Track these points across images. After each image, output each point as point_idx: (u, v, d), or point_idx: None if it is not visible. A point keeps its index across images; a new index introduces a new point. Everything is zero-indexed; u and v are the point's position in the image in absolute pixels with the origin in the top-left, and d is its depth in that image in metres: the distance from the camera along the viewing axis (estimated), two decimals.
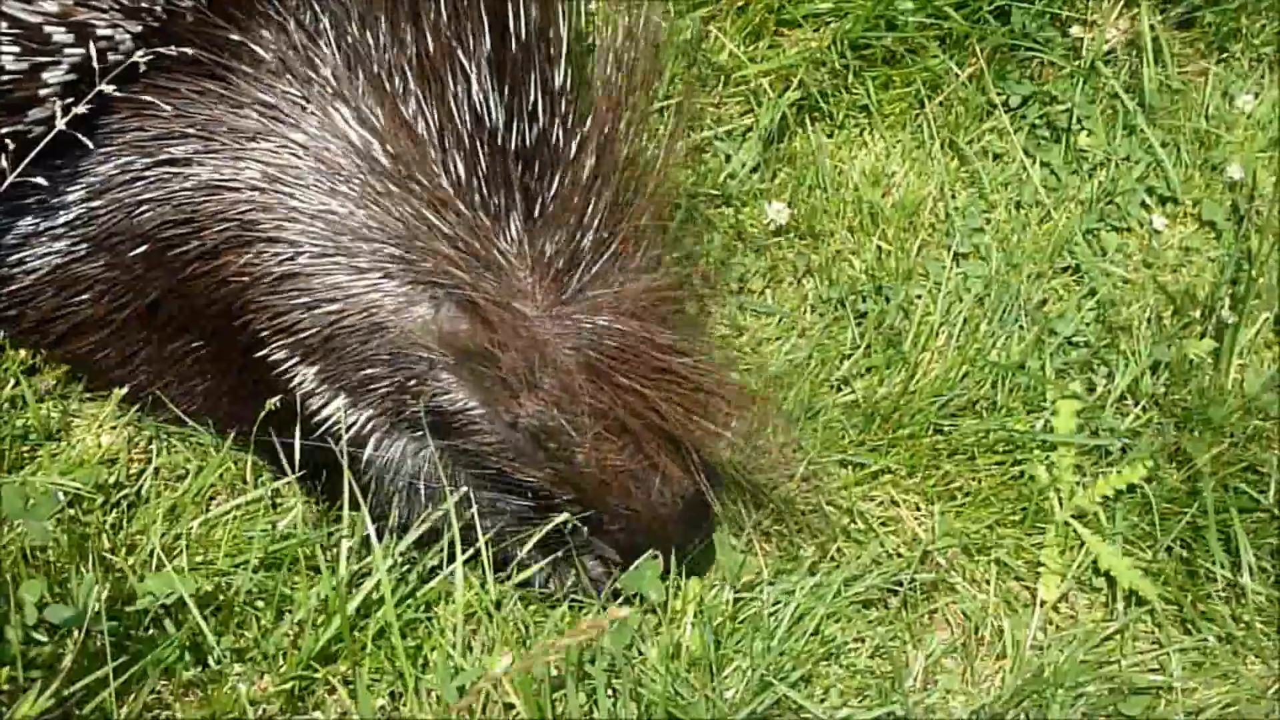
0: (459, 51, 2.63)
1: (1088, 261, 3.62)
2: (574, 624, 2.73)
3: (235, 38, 2.71)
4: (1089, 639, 3.04)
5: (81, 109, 2.62)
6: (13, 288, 2.91)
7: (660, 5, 3.50)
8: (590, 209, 2.66)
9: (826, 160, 3.70)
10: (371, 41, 2.68)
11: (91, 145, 2.70)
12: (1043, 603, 3.10)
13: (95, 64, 2.62)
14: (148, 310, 2.86)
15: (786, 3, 3.79)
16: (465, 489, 2.77)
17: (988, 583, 3.12)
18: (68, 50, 2.64)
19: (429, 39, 2.63)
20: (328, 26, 2.70)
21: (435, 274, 2.65)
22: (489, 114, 2.63)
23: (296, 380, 2.77)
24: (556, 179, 2.65)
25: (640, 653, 2.82)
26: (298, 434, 2.75)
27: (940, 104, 3.83)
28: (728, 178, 3.61)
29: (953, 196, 3.72)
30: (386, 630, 2.73)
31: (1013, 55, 3.88)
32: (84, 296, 2.89)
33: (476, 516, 2.78)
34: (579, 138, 2.68)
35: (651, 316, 2.68)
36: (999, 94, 3.84)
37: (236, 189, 2.72)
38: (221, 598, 2.77)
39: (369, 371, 2.74)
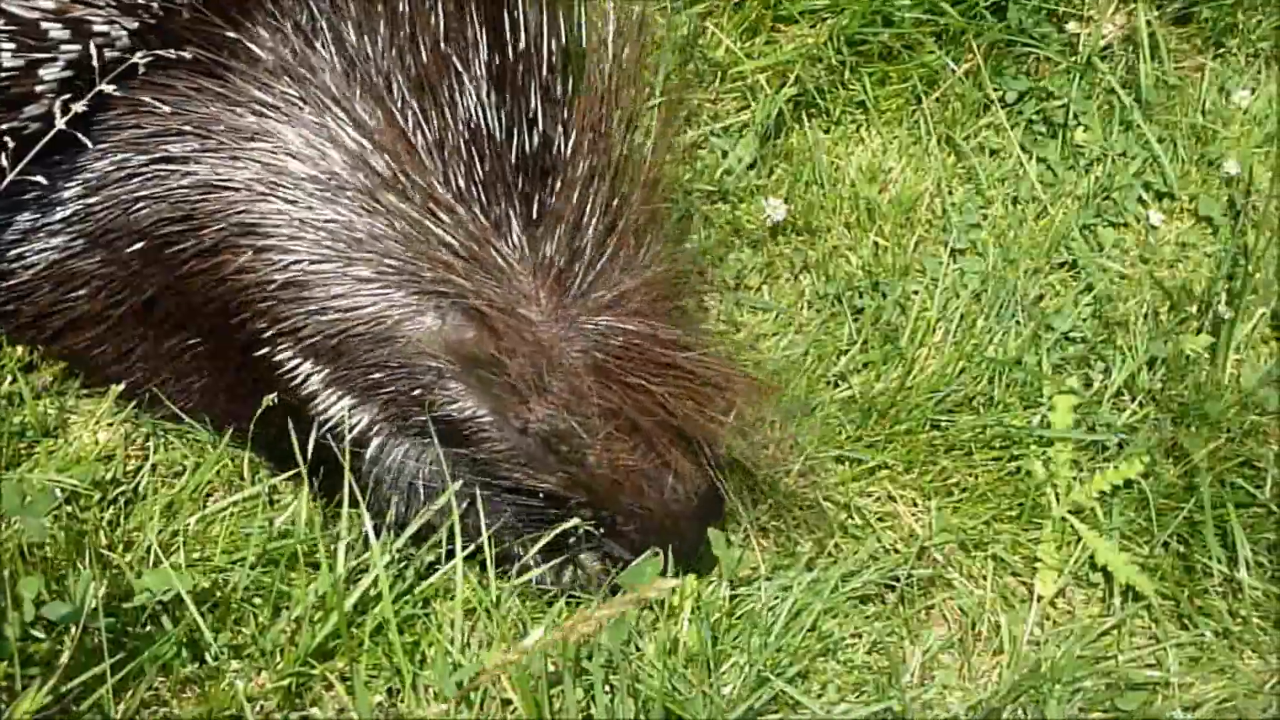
0: (456, 59, 2.63)
1: (1085, 257, 3.62)
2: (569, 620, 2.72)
3: (232, 35, 2.71)
4: (1086, 634, 3.04)
5: (80, 107, 2.62)
6: (10, 283, 2.91)
7: (657, 1, 3.51)
8: (588, 208, 2.66)
9: (823, 156, 3.70)
10: (369, 48, 2.68)
11: (89, 142, 2.70)
12: (1040, 598, 3.10)
13: (93, 61, 2.62)
14: (144, 307, 2.86)
15: None
16: (465, 487, 2.77)
17: (985, 578, 3.12)
18: (64, 47, 2.64)
19: (427, 46, 2.63)
20: (325, 30, 2.70)
21: (438, 283, 2.66)
22: (487, 121, 2.64)
23: (301, 381, 2.77)
24: (556, 182, 2.66)
25: (638, 648, 2.82)
26: (295, 432, 2.75)
27: (937, 100, 3.83)
28: (724, 174, 3.61)
29: (949, 192, 3.72)
30: (384, 626, 2.74)
31: (1009, 51, 3.88)
32: (81, 292, 2.89)
33: (476, 514, 2.77)
34: (576, 140, 2.68)
35: (655, 313, 2.68)
36: (996, 90, 3.84)
37: (234, 189, 2.72)
38: (219, 594, 2.77)
39: (376, 377, 2.74)
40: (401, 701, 2.71)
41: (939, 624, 3.08)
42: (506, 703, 2.66)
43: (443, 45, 2.63)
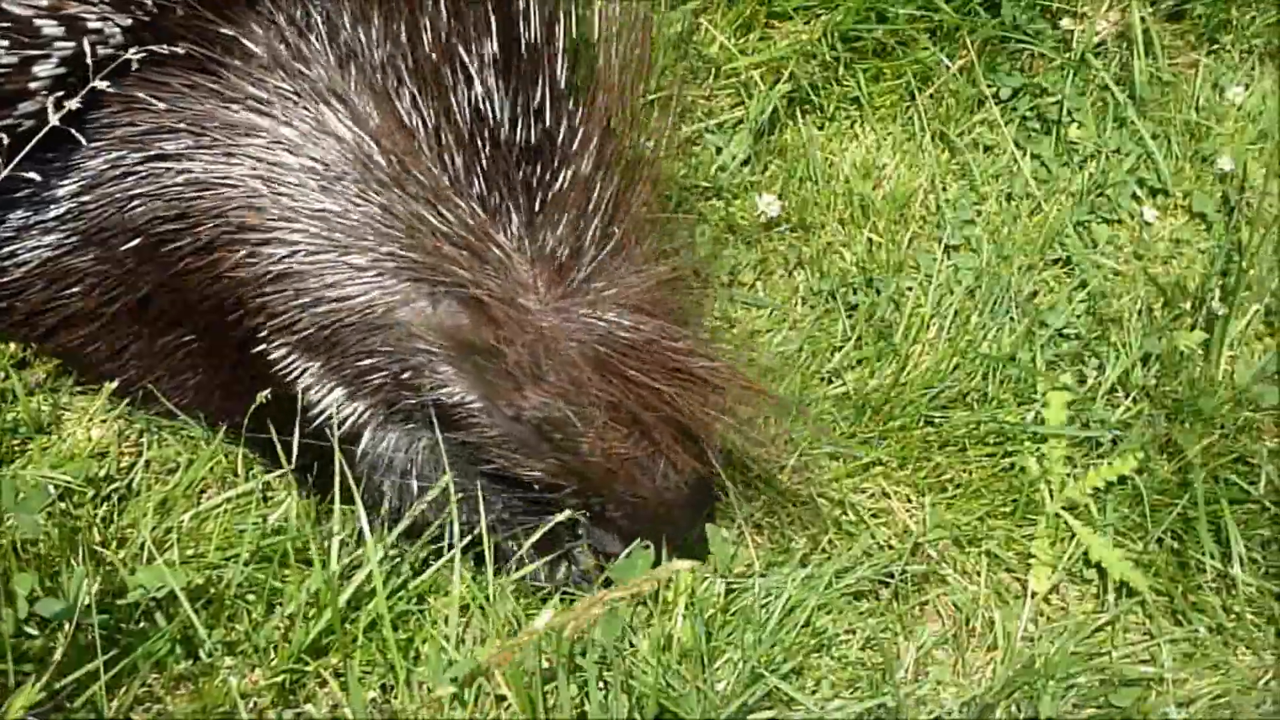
0: (460, 48, 2.62)
1: (1078, 253, 3.63)
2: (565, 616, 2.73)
3: (226, 32, 2.70)
4: (1080, 630, 3.04)
5: (74, 104, 2.62)
6: (3, 280, 2.91)
7: None
8: (592, 202, 2.66)
9: (817, 153, 3.70)
10: (364, 38, 2.67)
11: (83, 140, 2.70)
12: (1033, 594, 3.10)
13: (86, 58, 2.62)
14: (138, 304, 2.86)
15: None
16: (459, 482, 2.77)
17: (979, 574, 3.13)
18: (58, 43, 2.64)
19: (427, 36, 2.62)
20: (319, 22, 2.70)
21: (435, 270, 2.65)
22: (490, 111, 2.63)
23: (296, 375, 2.77)
24: (558, 174, 2.66)
25: (632, 645, 2.83)
26: (292, 427, 2.75)
27: (931, 96, 3.83)
28: (718, 170, 3.61)
29: (944, 189, 3.72)
30: (378, 623, 2.74)
31: (1003, 47, 3.88)
32: (74, 290, 2.89)
33: (470, 509, 2.78)
34: (581, 133, 2.68)
35: (655, 308, 2.68)
36: (989, 86, 3.84)
37: (229, 185, 2.71)
38: (212, 591, 2.77)
39: (367, 364, 2.74)
40: (395, 698, 2.71)
41: (933, 620, 3.08)
42: (501, 699, 2.66)
43: (445, 34, 2.62)
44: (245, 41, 2.70)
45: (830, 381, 3.34)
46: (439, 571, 2.83)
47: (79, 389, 3.08)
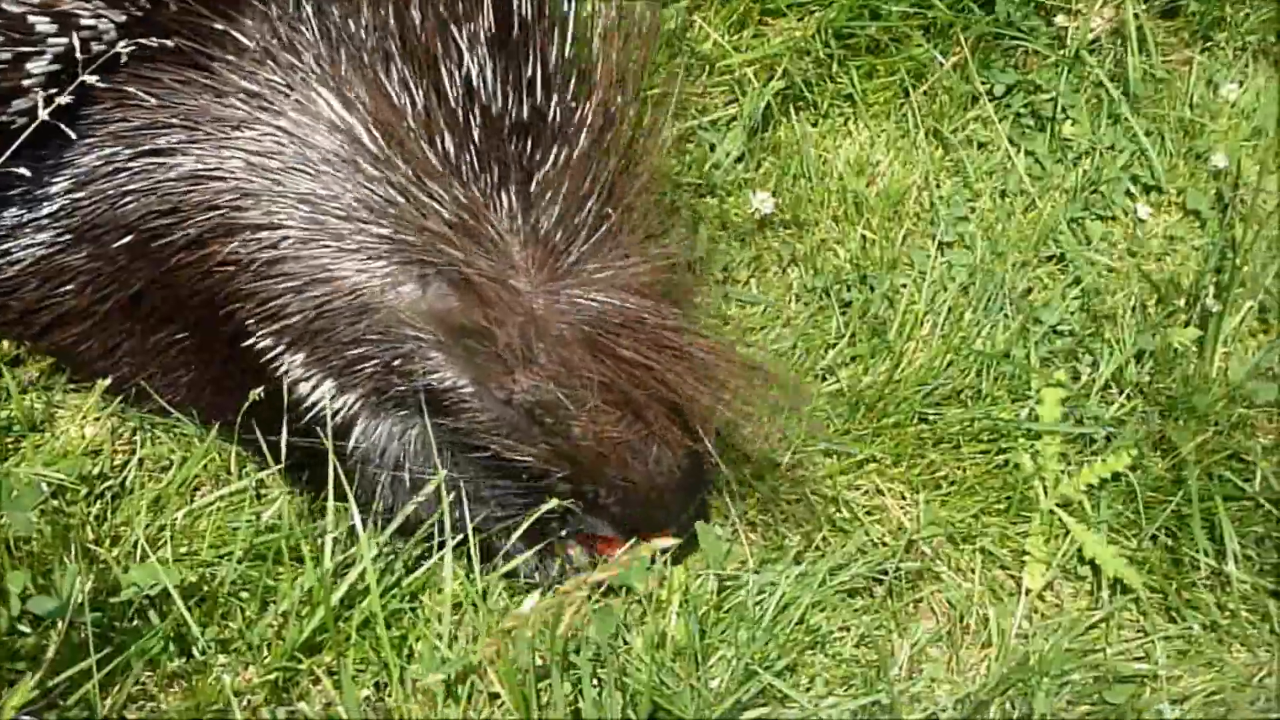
0: (452, 27, 2.61)
1: (1072, 250, 3.62)
2: (558, 613, 2.72)
3: (219, 26, 2.70)
4: (1074, 627, 3.04)
5: (64, 99, 2.61)
6: None
7: None
8: (587, 184, 2.65)
9: (811, 149, 3.70)
10: (354, 24, 2.67)
11: (75, 136, 2.70)
12: (1028, 591, 3.10)
13: (79, 54, 2.62)
14: (131, 301, 2.86)
15: None
16: (451, 475, 2.76)
17: (973, 571, 3.13)
18: (51, 40, 2.64)
19: (418, 17, 2.62)
20: (310, 12, 2.69)
21: (425, 251, 2.64)
22: (482, 90, 2.62)
23: (283, 367, 2.76)
24: (552, 155, 2.65)
25: (625, 642, 2.82)
26: (284, 423, 2.74)
27: (925, 93, 3.83)
28: (712, 167, 3.61)
29: (937, 185, 3.72)
30: (371, 621, 2.74)
31: (997, 44, 3.87)
32: (68, 288, 2.89)
33: (463, 506, 2.77)
34: (577, 114, 2.68)
35: (648, 289, 2.67)
36: (983, 83, 3.84)
37: (221, 178, 2.71)
38: (206, 589, 2.77)
39: (356, 352, 2.73)
40: (389, 696, 2.71)
41: (927, 617, 3.08)
42: (494, 697, 2.66)
43: (438, 13, 2.62)
44: (237, 35, 2.70)
45: (824, 378, 3.34)
46: (432, 569, 2.83)
47: (72, 387, 3.07)
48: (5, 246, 2.88)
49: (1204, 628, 3.08)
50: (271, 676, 2.69)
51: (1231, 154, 3.77)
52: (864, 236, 3.59)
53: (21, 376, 3.04)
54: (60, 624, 2.50)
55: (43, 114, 2.60)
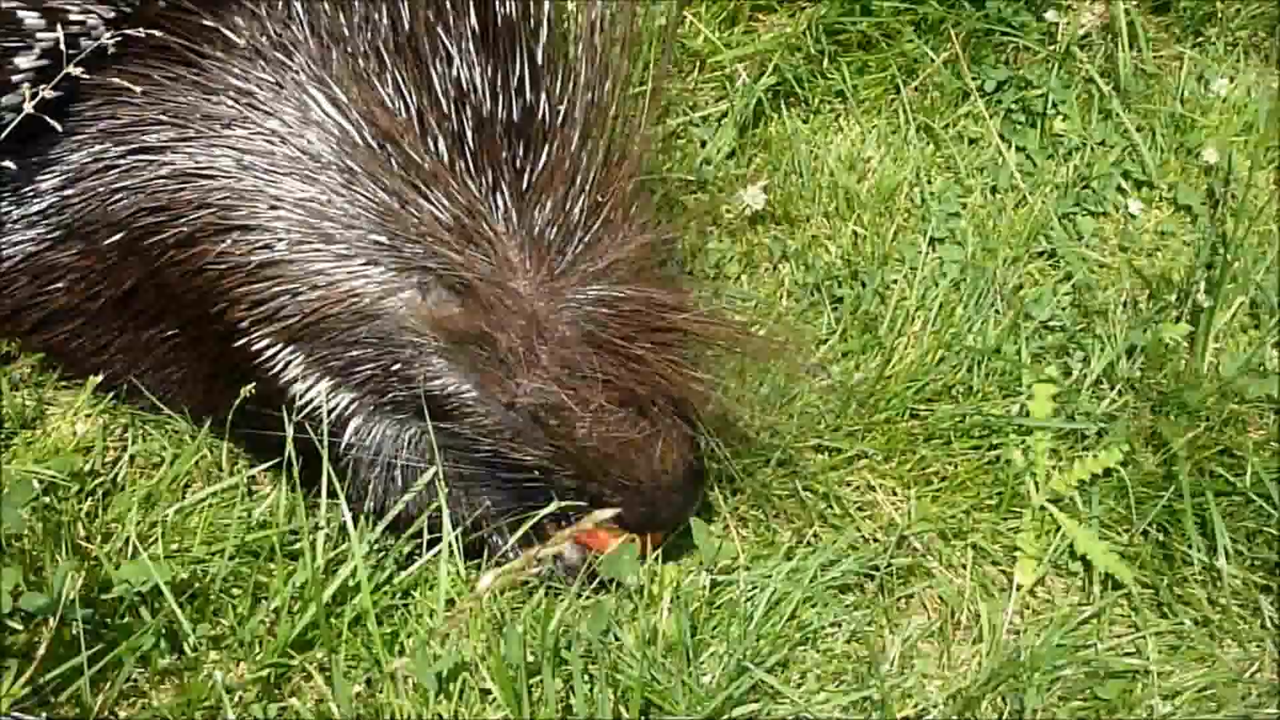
0: (440, 29, 2.61)
1: (1064, 246, 3.63)
2: (550, 611, 2.72)
3: (208, 23, 2.70)
4: (1065, 623, 3.04)
5: (49, 93, 2.61)
6: None
7: None
8: (577, 177, 2.65)
9: (802, 146, 3.70)
10: (346, 24, 2.67)
11: (64, 132, 2.70)
12: (1019, 587, 3.10)
13: (67, 49, 2.62)
14: (122, 298, 2.85)
15: None
16: (445, 474, 2.76)
17: (964, 567, 3.12)
18: (40, 35, 2.64)
19: (407, 18, 2.62)
20: (301, 11, 2.69)
21: (423, 257, 2.63)
22: (473, 91, 2.62)
23: (279, 366, 2.75)
24: (543, 154, 2.64)
25: (617, 638, 2.82)
26: (274, 421, 2.74)
27: (916, 89, 3.83)
28: (703, 163, 3.61)
29: (929, 181, 3.72)
30: (363, 617, 2.73)
31: (988, 40, 3.88)
32: (58, 285, 2.89)
33: (457, 502, 2.77)
34: (564, 108, 2.67)
35: (645, 278, 2.67)
36: (974, 79, 3.84)
37: (212, 176, 2.70)
38: (197, 585, 2.77)
39: (354, 354, 2.72)
40: (380, 692, 2.70)
41: (918, 613, 3.08)
42: (485, 693, 2.66)
43: (427, 14, 2.61)
44: (227, 32, 2.70)
45: (815, 374, 3.33)
46: (424, 566, 2.82)
47: (64, 384, 3.07)
48: None
49: (1195, 623, 3.08)
50: (263, 673, 2.69)
51: (1223, 149, 3.77)
52: (855, 232, 3.59)
53: (13, 373, 3.04)
54: (51, 620, 2.49)
55: (28, 107, 2.60)
